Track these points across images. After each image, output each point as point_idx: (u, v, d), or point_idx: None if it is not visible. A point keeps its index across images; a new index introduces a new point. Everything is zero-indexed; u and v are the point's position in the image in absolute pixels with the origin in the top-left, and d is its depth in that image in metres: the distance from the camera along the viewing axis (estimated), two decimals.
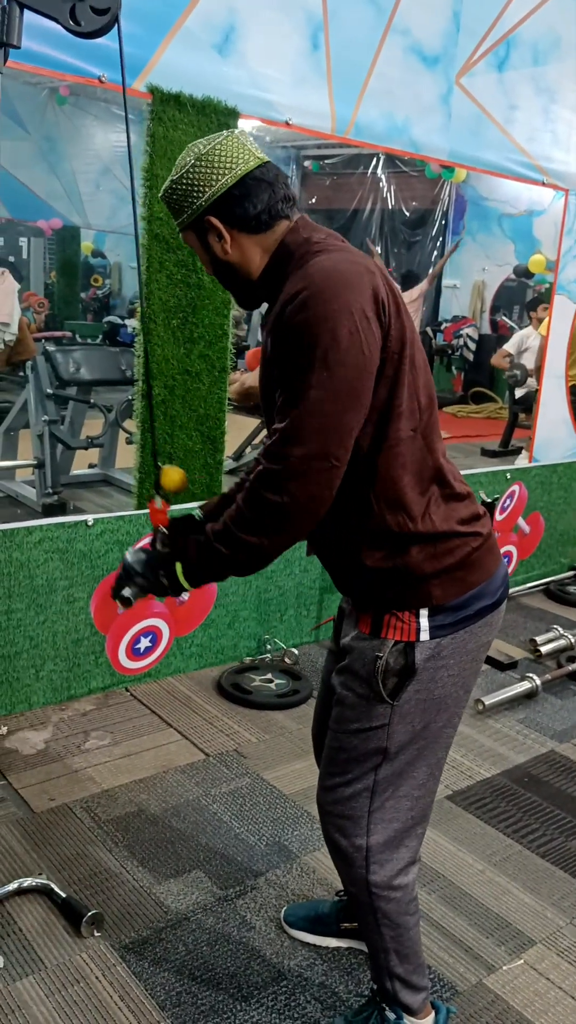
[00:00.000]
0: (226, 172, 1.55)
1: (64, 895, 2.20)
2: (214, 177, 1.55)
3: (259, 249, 1.59)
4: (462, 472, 1.79)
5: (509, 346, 7.88)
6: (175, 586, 1.64)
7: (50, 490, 5.05)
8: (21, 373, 5.73)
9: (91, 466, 5.91)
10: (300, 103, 3.33)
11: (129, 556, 1.72)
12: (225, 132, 1.59)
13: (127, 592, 1.70)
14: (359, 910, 1.77)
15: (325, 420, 1.44)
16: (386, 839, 1.69)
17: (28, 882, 2.25)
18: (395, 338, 1.51)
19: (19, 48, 1.73)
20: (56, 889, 2.22)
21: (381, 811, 1.68)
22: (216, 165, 1.55)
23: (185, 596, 3.19)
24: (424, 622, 1.59)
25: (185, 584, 1.63)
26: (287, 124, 3.30)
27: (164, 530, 1.76)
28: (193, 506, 3.23)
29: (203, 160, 1.55)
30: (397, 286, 1.60)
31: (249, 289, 1.65)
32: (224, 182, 1.55)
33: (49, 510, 4.88)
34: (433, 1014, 1.82)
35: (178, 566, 1.63)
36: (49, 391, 5.25)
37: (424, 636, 1.59)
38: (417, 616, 1.59)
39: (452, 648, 1.61)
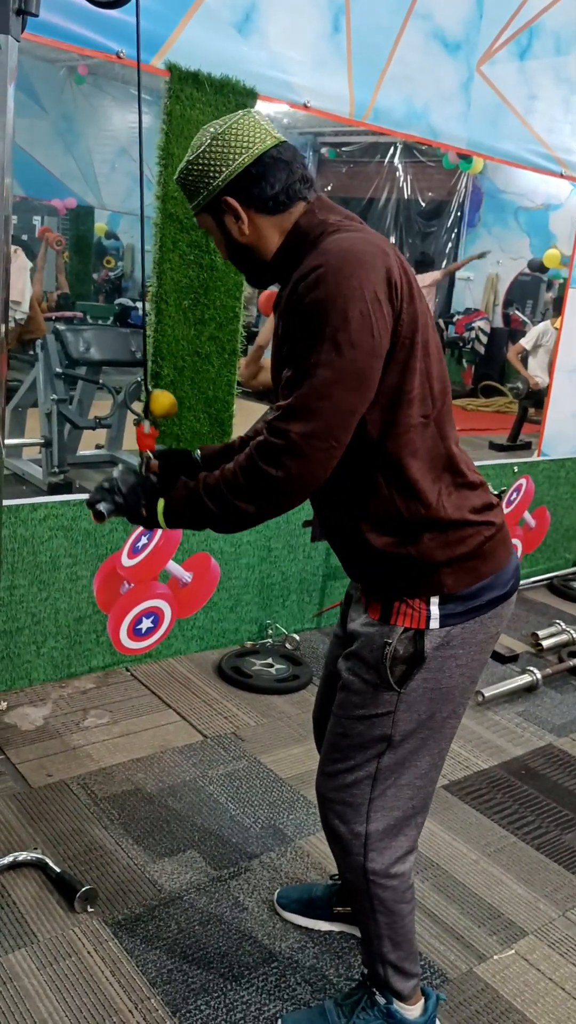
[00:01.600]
0: (243, 151, 1.53)
1: (58, 870, 2.21)
2: (231, 156, 1.53)
3: (276, 231, 1.58)
4: None
5: (525, 341, 7.82)
6: (152, 520, 1.63)
7: (56, 469, 5.05)
8: (31, 352, 5.72)
9: (98, 447, 5.90)
10: (319, 86, 3.30)
11: (117, 473, 1.69)
12: (240, 112, 1.56)
13: (103, 507, 1.65)
14: (355, 896, 1.77)
15: (330, 400, 1.44)
16: (385, 827, 1.69)
17: (23, 856, 2.26)
18: (407, 322, 1.50)
19: (37, 16, 1.72)
20: (51, 864, 2.23)
21: (382, 799, 1.67)
22: (233, 144, 1.53)
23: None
24: (435, 610, 1.58)
25: (162, 522, 1.61)
26: (305, 107, 3.27)
27: (151, 455, 1.74)
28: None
29: (219, 139, 1.53)
30: (412, 270, 1.58)
31: (263, 269, 1.64)
32: (241, 161, 1.53)
33: (55, 489, 4.88)
34: (423, 1000, 1.82)
35: (161, 503, 1.61)
36: (58, 370, 5.25)
37: (434, 624, 1.58)
38: (428, 604, 1.58)
39: (462, 638, 1.60)
